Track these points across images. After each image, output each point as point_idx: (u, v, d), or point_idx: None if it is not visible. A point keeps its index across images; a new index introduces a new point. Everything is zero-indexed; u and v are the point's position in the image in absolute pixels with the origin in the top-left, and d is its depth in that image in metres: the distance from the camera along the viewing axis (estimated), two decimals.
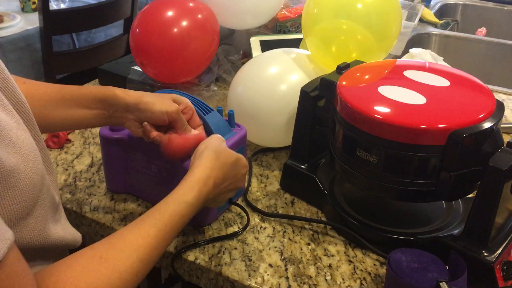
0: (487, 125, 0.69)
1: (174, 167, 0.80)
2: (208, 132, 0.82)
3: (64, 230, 0.67)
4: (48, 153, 0.66)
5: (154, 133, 0.75)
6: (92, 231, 0.85)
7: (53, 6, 2.24)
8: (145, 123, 0.75)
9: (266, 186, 0.94)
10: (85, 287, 0.52)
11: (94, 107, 0.76)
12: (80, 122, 0.78)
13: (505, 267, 0.71)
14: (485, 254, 0.70)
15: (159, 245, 0.61)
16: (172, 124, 0.76)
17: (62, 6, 2.36)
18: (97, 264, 0.55)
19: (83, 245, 1.04)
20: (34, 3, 2.24)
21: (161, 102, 0.75)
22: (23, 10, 2.27)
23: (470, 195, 0.76)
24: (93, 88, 0.78)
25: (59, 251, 0.59)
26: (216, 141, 0.75)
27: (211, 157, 0.71)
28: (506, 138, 0.72)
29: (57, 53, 2.07)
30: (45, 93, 0.76)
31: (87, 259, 0.55)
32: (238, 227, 0.83)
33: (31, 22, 2.12)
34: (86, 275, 0.53)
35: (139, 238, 0.59)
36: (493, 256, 0.70)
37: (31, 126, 0.62)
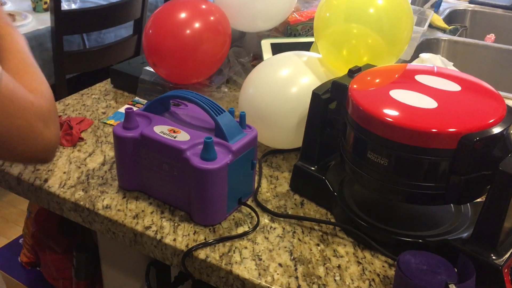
0: (497, 130, 0.70)
1: (186, 166, 0.81)
2: (219, 133, 0.83)
3: None
4: None
5: None
6: (105, 228, 0.87)
7: (64, 6, 2.26)
8: None
9: (276, 187, 0.95)
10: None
11: None
12: None
13: None
14: (494, 257, 0.71)
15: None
16: None
17: (73, 6, 2.38)
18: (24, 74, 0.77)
19: (96, 246, 1.06)
20: (45, 3, 2.26)
21: None
22: (34, 9, 2.29)
23: (478, 199, 0.77)
24: None
25: None
26: None
27: None
28: None
29: (67, 52, 2.10)
30: None
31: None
32: (248, 227, 0.84)
33: (42, 21, 2.14)
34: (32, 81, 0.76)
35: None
36: (502, 260, 0.71)
37: None
